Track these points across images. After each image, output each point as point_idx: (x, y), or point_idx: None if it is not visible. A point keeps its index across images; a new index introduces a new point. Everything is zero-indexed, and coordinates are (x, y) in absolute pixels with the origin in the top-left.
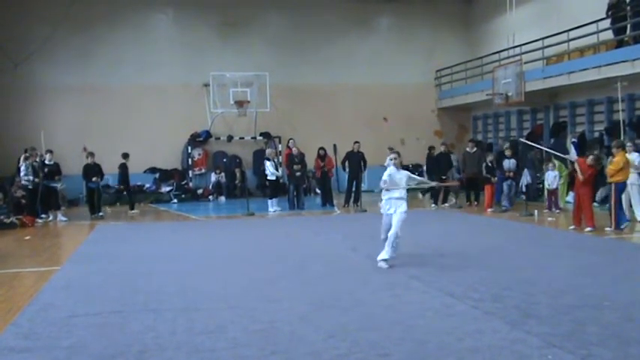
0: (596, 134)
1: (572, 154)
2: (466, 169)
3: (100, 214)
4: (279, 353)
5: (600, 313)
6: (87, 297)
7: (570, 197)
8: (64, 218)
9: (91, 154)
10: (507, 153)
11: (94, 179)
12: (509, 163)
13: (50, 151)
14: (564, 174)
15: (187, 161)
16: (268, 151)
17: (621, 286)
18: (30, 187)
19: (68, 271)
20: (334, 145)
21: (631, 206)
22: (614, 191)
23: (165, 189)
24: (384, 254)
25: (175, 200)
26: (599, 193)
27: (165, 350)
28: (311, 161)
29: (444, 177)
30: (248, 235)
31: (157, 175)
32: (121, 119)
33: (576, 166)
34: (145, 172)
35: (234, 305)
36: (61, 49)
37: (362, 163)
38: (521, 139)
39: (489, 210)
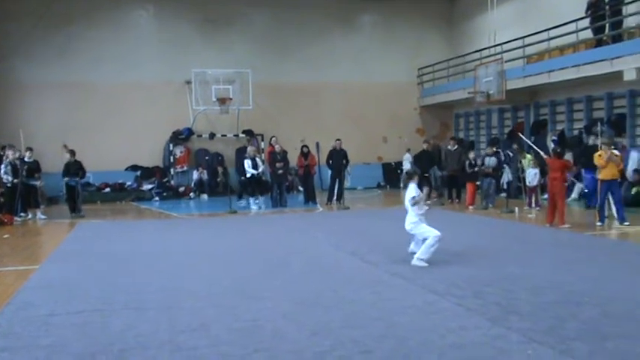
0: (575, 132)
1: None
2: (447, 167)
3: (81, 213)
4: (262, 351)
5: (579, 309)
6: (67, 296)
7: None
8: (43, 216)
9: (72, 152)
10: (488, 151)
11: (76, 178)
12: (489, 161)
13: (30, 149)
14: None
15: (169, 159)
16: (249, 149)
17: (600, 283)
18: (9, 185)
19: (48, 269)
20: (317, 143)
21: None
22: (600, 189)
23: (146, 187)
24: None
25: (157, 198)
26: (577, 189)
27: (148, 349)
28: (294, 159)
29: (425, 174)
30: (230, 233)
31: (139, 173)
32: (101, 116)
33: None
34: (126, 169)
35: (216, 303)
36: (41, 46)
37: (345, 161)
38: (519, 134)
39: (471, 207)
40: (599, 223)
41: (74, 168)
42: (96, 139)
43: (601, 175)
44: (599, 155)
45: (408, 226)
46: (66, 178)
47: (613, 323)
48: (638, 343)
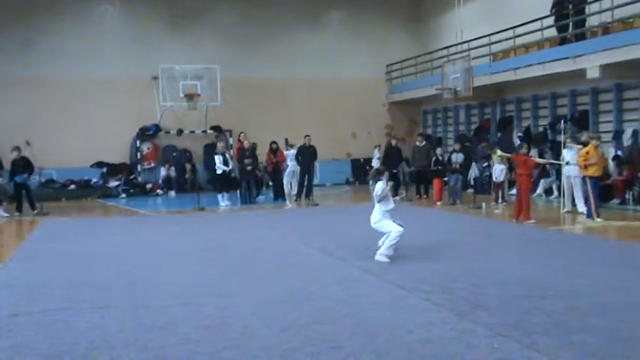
0: (541, 129)
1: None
2: (415, 163)
3: (45, 211)
4: (232, 349)
5: (545, 303)
6: (31, 295)
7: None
8: (5, 214)
9: (17, 148)
10: (455, 147)
11: (24, 175)
12: (456, 157)
13: None
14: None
15: (136, 155)
16: (219, 145)
17: (564, 276)
18: None
19: (10, 268)
20: (286, 139)
21: (574, 198)
22: (590, 186)
23: (113, 184)
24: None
25: (124, 195)
26: (543, 185)
27: (114, 348)
28: (263, 155)
29: (394, 171)
30: (198, 230)
31: (105, 170)
32: (66, 112)
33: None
34: (91, 166)
35: (184, 301)
36: (1, 39)
37: (314, 157)
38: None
39: (438, 203)
40: (599, 219)
41: (21, 165)
42: (60, 136)
43: (590, 172)
44: (587, 152)
45: (372, 223)
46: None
47: (578, 317)
48: (604, 337)
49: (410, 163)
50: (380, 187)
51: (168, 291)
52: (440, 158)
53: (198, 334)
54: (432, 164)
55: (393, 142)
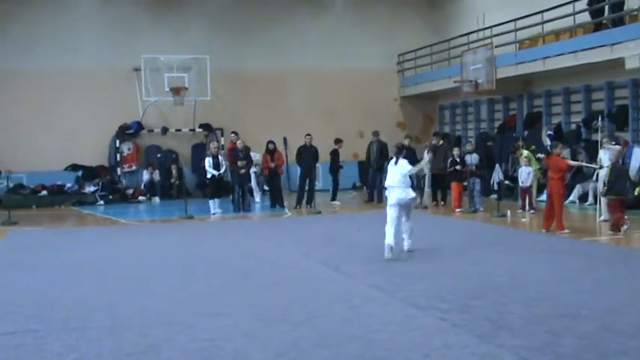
0: (573, 126)
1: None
2: (431, 165)
3: (13, 220)
4: None
5: (577, 323)
6: None
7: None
8: None
9: None
10: (468, 147)
11: None
12: (471, 158)
13: None
14: (536, 169)
15: (115, 157)
16: (211, 145)
17: (599, 293)
18: None
19: None
20: (284, 139)
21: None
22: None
23: (89, 189)
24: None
25: (102, 202)
26: (577, 191)
27: None
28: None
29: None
30: (186, 242)
31: (80, 174)
32: (36, 108)
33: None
34: (65, 169)
35: (169, 321)
36: None
37: (315, 159)
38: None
39: (457, 210)
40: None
41: None
42: (30, 135)
43: None
44: None
45: (404, 198)
46: None
47: (615, 339)
48: None
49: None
50: (408, 165)
51: (152, 310)
52: (457, 159)
53: (185, 359)
54: (448, 166)
55: (406, 142)
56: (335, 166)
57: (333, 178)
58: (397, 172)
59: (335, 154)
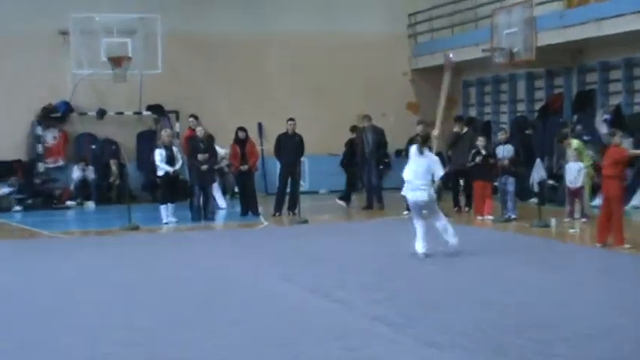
0: (637, 108)
1: None
2: (453, 159)
3: None
4: None
5: None
6: None
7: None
8: None
9: None
10: (500, 137)
11: None
12: (503, 151)
13: None
14: (587, 165)
15: (36, 149)
16: (163, 133)
17: None
18: None
19: None
20: (259, 125)
21: None
22: None
23: (2, 191)
24: None
25: (18, 207)
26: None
27: None
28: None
29: None
30: (129, 260)
31: None
32: None
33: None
34: None
35: None
36: None
37: (300, 151)
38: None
39: (485, 217)
40: None
41: None
42: None
43: None
44: None
45: (422, 199)
46: None
47: None
48: None
49: (445, 159)
50: (439, 165)
51: (80, 352)
52: (482, 151)
53: None
54: (470, 159)
55: (419, 129)
56: (349, 161)
57: (348, 176)
58: (424, 164)
59: (351, 146)
